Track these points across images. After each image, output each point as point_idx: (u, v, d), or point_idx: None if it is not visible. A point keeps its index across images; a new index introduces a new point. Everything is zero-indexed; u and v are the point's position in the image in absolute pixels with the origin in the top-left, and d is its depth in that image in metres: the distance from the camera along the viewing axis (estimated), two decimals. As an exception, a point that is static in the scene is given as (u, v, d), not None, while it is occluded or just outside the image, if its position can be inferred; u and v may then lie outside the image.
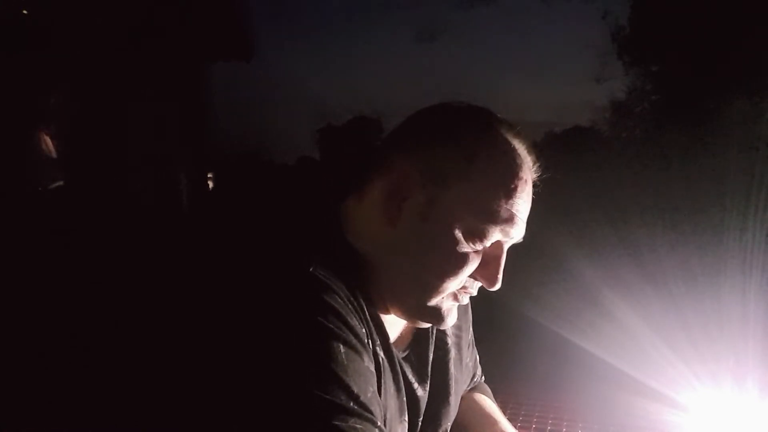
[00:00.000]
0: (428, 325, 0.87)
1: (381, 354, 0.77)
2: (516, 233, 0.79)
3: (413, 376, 0.87)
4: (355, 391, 0.65)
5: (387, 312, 0.82)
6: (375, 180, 0.80)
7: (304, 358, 0.64)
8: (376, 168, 0.81)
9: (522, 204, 0.78)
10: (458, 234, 0.76)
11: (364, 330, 0.72)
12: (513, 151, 0.78)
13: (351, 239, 0.79)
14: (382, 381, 0.75)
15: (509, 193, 0.76)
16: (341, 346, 0.66)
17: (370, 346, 0.74)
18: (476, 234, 0.76)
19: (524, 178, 0.78)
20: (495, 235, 0.77)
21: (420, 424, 0.89)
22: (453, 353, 0.96)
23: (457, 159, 0.76)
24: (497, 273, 0.79)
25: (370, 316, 0.76)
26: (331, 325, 0.66)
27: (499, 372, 1.31)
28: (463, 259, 0.76)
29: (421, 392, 0.88)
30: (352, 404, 0.64)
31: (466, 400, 1.06)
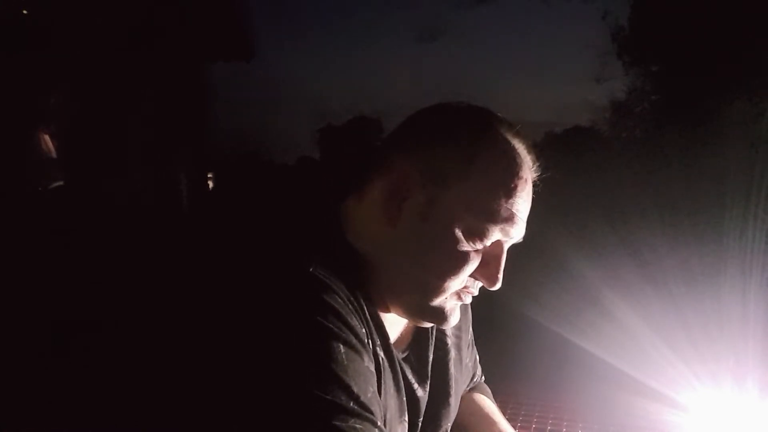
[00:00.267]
0: (430, 325, 0.87)
1: (381, 354, 0.77)
2: (516, 233, 0.79)
3: (413, 377, 0.87)
4: (355, 391, 0.65)
5: (387, 312, 0.82)
6: (375, 180, 0.80)
7: (304, 358, 0.64)
8: (376, 168, 0.81)
9: (522, 203, 0.78)
10: (458, 233, 0.76)
11: (364, 330, 0.72)
12: (513, 150, 0.78)
13: (351, 239, 0.79)
14: (382, 381, 0.75)
15: (509, 192, 0.76)
16: (341, 346, 0.66)
17: (370, 346, 0.74)
18: (476, 233, 0.76)
19: (524, 177, 0.78)
20: (495, 234, 0.77)
21: (420, 424, 0.89)
22: (453, 353, 0.96)
23: (457, 159, 0.76)
24: (497, 272, 0.79)
25: (370, 316, 0.76)
26: (331, 325, 0.66)
27: (499, 372, 1.31)
28: (463, 259, 0.76)
29: (421, 392, 0.88)
30: (352, 404, 0.64)
31: (465, 400, 1.06)
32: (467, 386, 1.09)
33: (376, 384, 0.72)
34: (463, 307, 1.02)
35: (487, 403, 1.10)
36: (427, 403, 0.90)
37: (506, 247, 0.80)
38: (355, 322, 0.70)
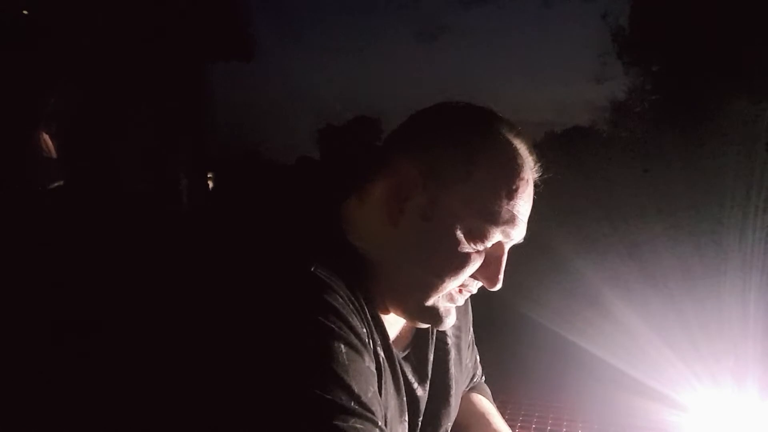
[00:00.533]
0: (428, 326, 0.87)
1: (381, 354, 0.77)
2: (517, 234, 0.79)
3: (413, 376, 0.87)
4: (356, 391, 0.65)
5: (387, 312, 0.82)
6: (376, 180, 0.80)
7: (305, 358, 0.64)
8: (377, 168, 0.81)
9: (523, 205, 0.78)
10: (459, 234, 0.76)
11: (364, 330, 0.73)
12: (514, 151, 0.78)
13: (352, 239, 0.79)
14: (383, 381, 0.75)
15: (511, 194, 0.76)
16: (342, 346, 0.66)
17: (371, 346, 0.74)
18: (477, 235, 0.76)
19: (525, 178, 0.78)
20: (496, 236, 0.77)
21: (420, 424, 0.89)
22: (453, 354, 0.96)
23: (459, 160, 0.76)
24: (498, 273, 0.79)
25: (370, 316, 0.76)
26: (332, 325, 0.66)
27: (499, 372, 1.31)
28: (464, 260, 0.76)
29: (421, 392, 0.88)
30: (353, 404, 0.64)
31: (463, 400, 1.06)
32: (467, 386, 1.09)
33: (376, 384, 0.72)
34: (464, 308, 1.02)
35: (484, 402, 1.09)
36: (427, 403, 0.90)
37: (507, 248, 0.80)
38: (355, 321, 0.70)
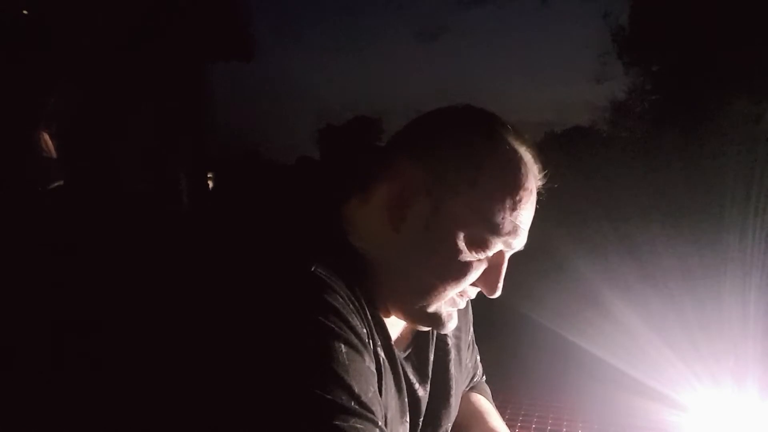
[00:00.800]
0: (428, 329, 0.87)
1: (382, 354, 0.77)
2: (518, 243, 0.80)
3: (414, 376, 0.87)
4: (356, 390, 0.65)
5: (388, 312, 0.82)
6: (380, 183, 0.80)
7: (306, 358, 0.64)
8: (380, 171, 0.81)
9: (526, 215, 0.78)
10: (461, 243, 0.76)
11: (365, 330, 0.72)
12: (520, 160, 0.78)
13: (352, 240, 0.79)
14: (383, 381, 0.75)
15: (515, 205, 0.76)
16: (342, 346, 0.66)
17: (371, 346, 0.74)
18: (480, 244, 0.76)
19: (530, 188, 0.78)
20: (498, 245, 0.78)
21: (421, 424, 0.89)
22: (453, 354, 0.96)
23: (464, 169, 0.76)
24: (498, 281, 0.80)
25: (371, 316, 0.76)
26: (332, 325, 0.66)
27: (499, 372, 1.31)
28: (465, 268, 0.77)
29: (422, 392, 0.88)
30: (353, 404, 0.64)
31: (462, 399, 1.06)
32: (467, 386, 1.09)
33: (376, 384, 0.72)
34: (464, 309, 1.02)
35: (482, 401, 1.09)
36: (428, 403, 0.90)
37: (507, 256, 0.81)
38: (356, 321, 0.70)
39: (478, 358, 1.13)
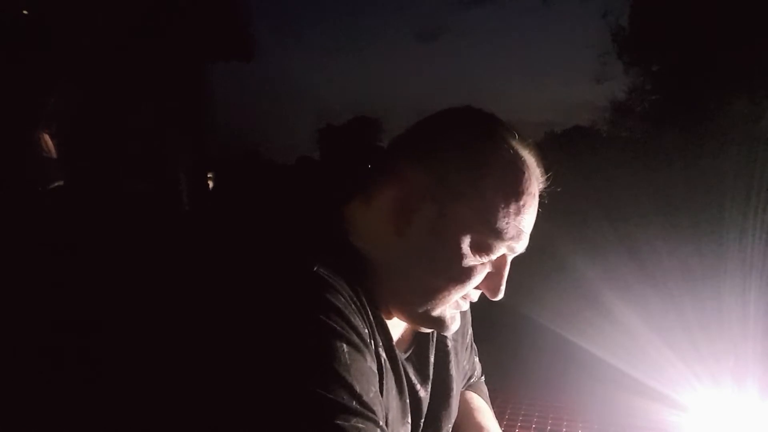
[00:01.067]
0: (430, 331, 0.87)
1: (383, 355, 0.77)
2: (520, 247, 0.80)
3: (415, 377, 0.87)
4: (358, 390, 0.65)
5: (389, 313, 0.82)
6: (384, 186, 0.80)
7: (307, 357, 0.64)
8: (384, 173, 0.81)
9: (529, 219, 0.79)
10: (466, 248, 0.76)
11: (366, 330, 0.73)
12: (523, 165, 0.78)
13: (354, 241, 0.79)
14: (384, 382, 0.75)
15: (518, 209, 0.77)
16: (344, 346, 0.66)
17: (373, 347, 0.74)
18: (483, 249, 0.77)
19: (533, 192, 0.78)
20: (501, 250, 0.78)
21: (422, 425, 0.89)
22: (453, 355, 0.96)
23: (468, 175, 0.76)
24: (500, 285, 0.80)
25: (372, 317, 0.76)
26: (334, 325, 0.66)
27: (499, 372, 1.31)
28: (469, 272, 0.77)
29: (423, 393, 0.88)
30: (354, 404, 0.64)
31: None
32: (463, 386, 1.09)
33: (377, 384, 0.72)
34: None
35: (475, 399, 1.09)
36: (429, 403, 0.90)
37: (510, 259, 0.81)
38: (357, 321, 0.70)
39: (477, 358, 1.13)
